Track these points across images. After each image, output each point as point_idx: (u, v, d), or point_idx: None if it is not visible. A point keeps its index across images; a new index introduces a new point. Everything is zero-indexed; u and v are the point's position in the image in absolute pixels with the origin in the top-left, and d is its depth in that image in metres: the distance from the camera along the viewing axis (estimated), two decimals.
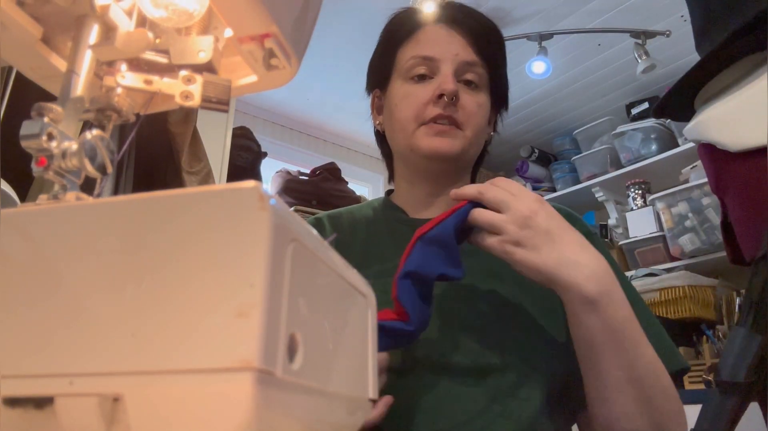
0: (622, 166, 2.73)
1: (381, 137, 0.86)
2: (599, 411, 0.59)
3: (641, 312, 0.67)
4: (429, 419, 0.61)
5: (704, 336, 2.06)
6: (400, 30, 0.80)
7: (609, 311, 0.55)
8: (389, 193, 0.89)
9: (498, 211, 0.58)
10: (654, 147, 2.60)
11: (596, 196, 2.81)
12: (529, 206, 0.58)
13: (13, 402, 0.25)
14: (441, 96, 0.72)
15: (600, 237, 0.77)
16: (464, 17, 0.79)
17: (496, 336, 0.65)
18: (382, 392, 0.42)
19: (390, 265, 0.65)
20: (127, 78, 0.37)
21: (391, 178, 0.89)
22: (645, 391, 0.56)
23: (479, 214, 0.58)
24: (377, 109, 0.86)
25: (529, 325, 0.66)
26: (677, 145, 2.55)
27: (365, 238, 0.80)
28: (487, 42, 0.79)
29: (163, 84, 0.37)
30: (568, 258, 0.55)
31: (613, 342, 0.55)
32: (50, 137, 0.31)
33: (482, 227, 0.59)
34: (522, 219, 0.57)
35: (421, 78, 0.75)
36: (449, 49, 0.75)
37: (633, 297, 0.69)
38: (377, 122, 0.86)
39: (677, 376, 0.66)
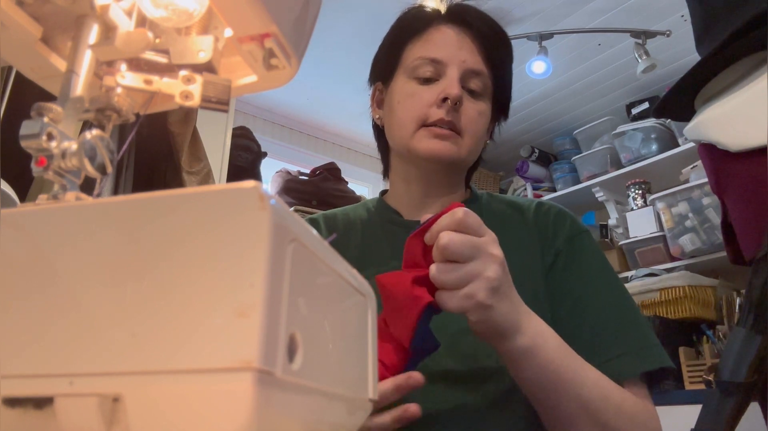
0: (623, 166, 2.73)
1: (379, 131, 0.86)
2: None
3: (625, 309, 0.68)
4: (427, 428, 0.61)
5: (704, 336, 2.06)
6: (410, 27, 0.79)
7: (546, 349, 0.54)
8: (383, 193, 0.88)
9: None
10: (654, 147, 2.60)
11: (596, 196, 2.81)
12: (498, 253, 0.51)
13: (13, 402, 0.25)
14: (445, 99, 0.72)
15: (591, 234, 0.76)
16: (476, 21, 0.78)
17: None
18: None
19: (386, 268, 0.63)
20: (127, 78, 0.37)
21: (385, 174, 0.89)
22: (599, 416, 0.56)
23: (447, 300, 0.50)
24: (377, 102, 0.85)
25: None
26: (677, 145, 2.55)
27: (361, 240, 0.80)
28: (495, 50, 0.78)
29: (163, 84, 0.37)
30: (520, 309, 0.54)
31: (556, 379, 0.54)
32: (50, 137, 0.31)
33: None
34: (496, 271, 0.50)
35: (427, 80, 0.75)
36: (457, 54, 0.74)
37: (619, 292, 0.69)
38: (377, 116, 0.85)
39: (661, 375, 0.66)
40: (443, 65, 0.74)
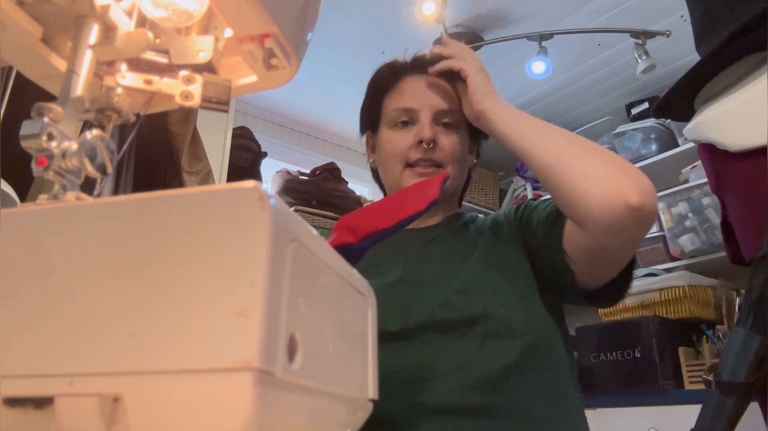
0: None
1: (376, 172, 0.97)
2: (571, 186, 0.68)
3: None
4: (427, 370, 0.68)
5: (704, 336, 2.05)
6: (384, 82, 0.92)
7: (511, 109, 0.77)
8: None
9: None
10: (654, 147, 2.60)
11: None
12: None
13: (13, 402, 0.25)
14: (420, 142, 0.83)
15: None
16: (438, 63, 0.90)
17: (479, 293, 0.74)
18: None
19: (386, 272, 0.80)
20: (127, 78, 0.37)
21: None
22: (587, 144, 0.72)
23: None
24: (371, 147, 0.97)
25: (503, 285, 0.76)
26: (677, 145, 2.54)
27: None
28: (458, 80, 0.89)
29: (163, 84, 0.37)
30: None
31: (535, 123, 0.75)
32: (50, 137, 0.31)
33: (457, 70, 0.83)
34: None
35: (404, 124, 0.86)
36: (426, 100, 0.86)
37: None
38: (371, 160, 0.97)
39: None
40: (416, 112, 0.86)
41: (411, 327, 0.72)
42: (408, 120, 0.86)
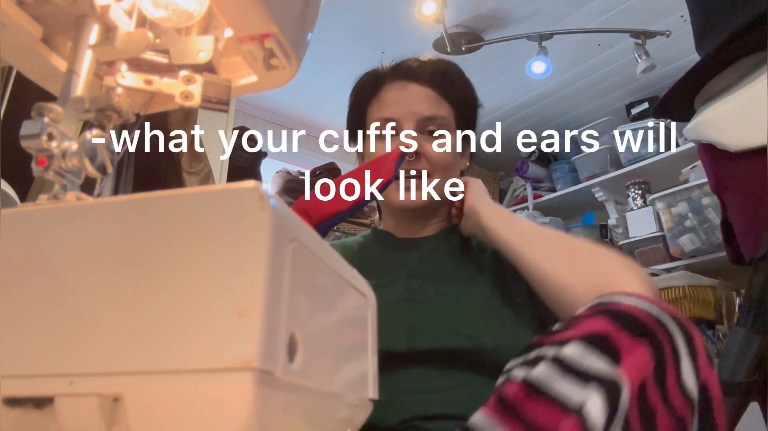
0: (622, 166, 2.72)
1: None
2: (550, 289, 0.68)
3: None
4: (431, 386, 0.67)
5: (704, 336, 2.06)
6: (366, 91, 0.89)
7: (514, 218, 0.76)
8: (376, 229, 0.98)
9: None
10: (654, 147, 2.60)
11: (596, 196, 2.81)
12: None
13: (13, 402, 0.25)
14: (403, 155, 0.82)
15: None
16: (420, 68, 0.86)
17: (488, 323, 0.73)
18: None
19: (383, 279, 0.78)
20: (127, 78, 0.37)
21: (379, 213, 0.98)
22: (572, 248, 0.69)
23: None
24: (361, 157, 0.95)
25: (511, 317, 0.75)
26: (677, 145, 2.55)
27: (359, 260, 0.86)
28: (444, 83, 0.86)
29: (163, 84, 0.37)
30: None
31: (518, 221, 0.74)
32: (50, 137, 0.31)
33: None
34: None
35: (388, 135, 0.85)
36: (408, 108, 0.83)
37: None
38: None
39: None
40: (398, 122, 0.83)
41: (418, 349, 0.70)
42: (392, 130, 0.84)
